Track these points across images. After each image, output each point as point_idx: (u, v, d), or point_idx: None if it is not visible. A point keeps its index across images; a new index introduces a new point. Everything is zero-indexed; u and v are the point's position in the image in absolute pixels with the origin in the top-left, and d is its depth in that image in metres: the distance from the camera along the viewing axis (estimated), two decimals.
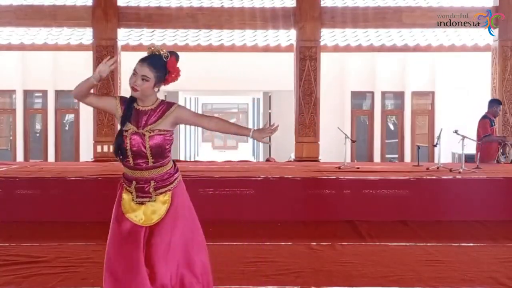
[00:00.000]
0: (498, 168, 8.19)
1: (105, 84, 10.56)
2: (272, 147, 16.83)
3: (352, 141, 10.09)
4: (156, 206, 3.36)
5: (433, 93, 15.44)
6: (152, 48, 3.42)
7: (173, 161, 3.50)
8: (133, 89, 3.31)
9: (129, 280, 3.22)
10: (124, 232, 3.34)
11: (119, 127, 3.42)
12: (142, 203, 3.36)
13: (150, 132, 3.31)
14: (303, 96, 10.64)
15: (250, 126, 29.13)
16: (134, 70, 3.34)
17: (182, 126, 18.83)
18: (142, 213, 3.35)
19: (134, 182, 3.37)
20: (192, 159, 21.09)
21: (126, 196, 3.41)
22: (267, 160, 12.76)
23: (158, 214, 3.35)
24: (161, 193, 3.37)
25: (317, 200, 6.86)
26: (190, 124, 3.53)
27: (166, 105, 3.39)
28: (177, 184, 3.45)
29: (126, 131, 3.33)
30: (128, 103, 3.38)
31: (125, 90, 11.17)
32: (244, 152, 28.65)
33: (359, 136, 15.40)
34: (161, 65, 3.37)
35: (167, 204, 3.38)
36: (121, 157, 3.38)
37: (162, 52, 3.40)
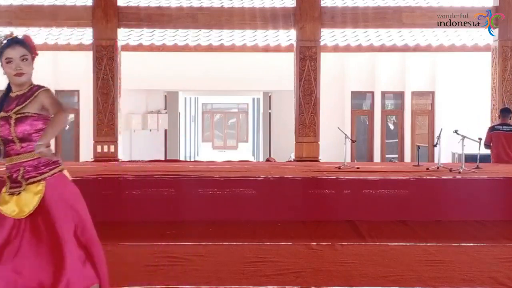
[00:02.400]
0: (498, 168, 8.19)
1: (105, 84, 10.57)
2: (272, 147, 16.84)
3: (352, 141, 10.10)
4: (27, 196, 3.16)
5: (433, 93, 15.44)
6: (6, 35, 3.34)
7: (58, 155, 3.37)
8: (18, 74, 3.27)
9: None
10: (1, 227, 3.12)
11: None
12: (13, 194, 3.18)
13: (16, 114, 3.20)
14: (303, 96, 10.64)
15: (251, 126, 29.14)
16: (7, 58, 3.24)
17: (182, 127, 18.85)
18: (15, 205, 3.16)
19: (7, 172, 3.23)
20: (192, 159, 21.10)
21: (4, 189, 3.25)
22: (267, 160, 12.77)
23: (29, 205, 3.14)
24: (32, 183, 3.19)
25: (317, 200, 6.86)
26: (48, 110, 3.28)
27: (35, 88, 3.32)
28: (56, 176, 3.28)
29: (6, 117, 3.21)
30: (5, 94, 3.32)
31: (124, 90, 11.19)
32: (244, 152, 28.66)
33: (359, 136, 15.40)
34: (25, 43, 3.36)
35: (40, 195, 3.17)
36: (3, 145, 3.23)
37: (14, 35, 3.36)
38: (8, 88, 3.32)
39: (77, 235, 3.23)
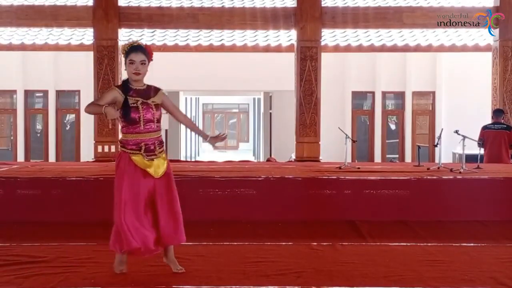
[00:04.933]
0: (499, 168, 8.19)
1: (106, 84, 10.57)
2: (272, 147, 16.84)
3: (353, 141, 10.11)
4: (160, 161, 4.27)
5: (433, 93, 15.45)
6: (132, 41, 4.38)
7: None
8: (136, 73, 4.22)
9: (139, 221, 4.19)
10: (138, 187, 4.19)
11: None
12: (152, 159, 4.22)
13: (153, 102, 4.27)
14: (303, 96, 10.64)
15: (251, 126, 29.20)
16: (131, 60, 4.21)
17: (183, 127, 18.83)
18: (153, 168, 4.22)
19: (142, 145, 4.21)
20: (193, 159, 21.09)
21: (136, 158, 4.21)
22: (268, 160, 12.76)
23: (162, 168, 4.26)
24: (161, 152, 4.29)
25: (318, 200, 6.86)
26: (167, 109, 4.43)
27: (155, 87, 4.40)
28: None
29: (135, 102, 4.18)
30: (125, 84, 4.28)
31: None
32: (244, 152, 28.66)
33: (360, 136, 15.41)
34: (145, 50, 4.30)
35: (167, 161, 4.35)
36: (128, 125, 4.20)
37: (139, 43, 4.38)
38: (125, 82, 4.27)
39: None
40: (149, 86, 4.35)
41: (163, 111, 4.39)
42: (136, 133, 4.21)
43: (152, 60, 4.37)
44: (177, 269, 4.34)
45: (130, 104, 4.17)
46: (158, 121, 4.29)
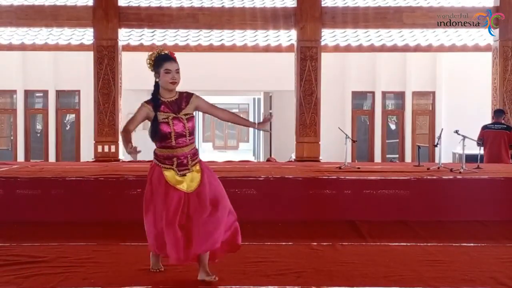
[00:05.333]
0: (499, 168, 8.19)
1: (105, 84, 10.59)
2: (272, 147, 16.84)
3: (353, 141, 10.11)
4: (193, 175, 4.16)
5: (433, 93, 15.44)
6: (163, 51, 4.28)
7: None
8: (173, 83, 4.16)
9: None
10: (170, 200, 4.07)
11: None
12: (184, 175, 4.13)
13: (185, 115, 4.16)
14: (303, 96, 10.65)
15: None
16: (167, 69, 4.14)
17: None
18: (185, 183, 4.13)
19: (175, 159, 4.13)
20: None
21: (168, 173, 4.13)
22: (268, 160, 12.76)
23: (196, 181, 4.15)
24: (194, 165, 4.18)
25: (318, 200, 6.86)
26: (204, 111, 4.38)
27: (186, 94, 4.27)
28: (199, 158, 4.30)
29: (166, 118, 4.11)
30: (155, 98, 4.18)
31: (125, 90, 11.20)
32: (244, 152, 28.65)
33: (360, 136, 15.41)
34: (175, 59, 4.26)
35: (200, 173, 4.19)
36: (160, 141, 4.13)
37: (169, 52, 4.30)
38: (155, 95, 4.19)
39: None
40: (180, 95, 4.25)
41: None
42: (168, 147, 4.14)
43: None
44: (202, 277, 4.16)
45: (161, 119, 4.11)
46: (191, 133, 4.19)
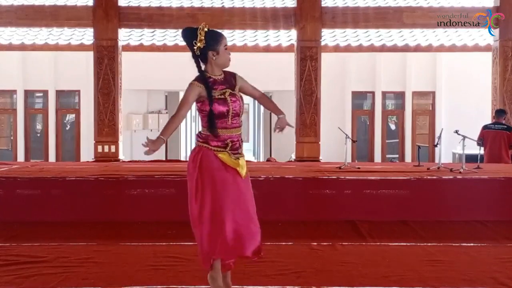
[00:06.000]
0: (499, 168, 8.19)
1: (105, 84, 10.58)
2: (272, 147, 16.83)
3: (353, 141, 10.12)
4: (243, 162, 3.80)
5: (433, 93, 15.43)
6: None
7: None
8: (229, 61, 3.84)
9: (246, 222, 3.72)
10: (230, 182, 3.69)
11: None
12: (238, 159, 3.75)
13: (239, 92, 3.82)
14: (303, 96, 10.64)
15: (251, 126, 29.15)
16: (225, 46, 3.81)
17: (182, 125, 18.83)
18: (240, 167, 3.75)
19: (229, 141, 3.71)
20: None
21: (224, 156, 3.70)
22: (268, 160, 12.76)
23: (244, 168, 3.78)
24: (241, 151, 3.81)
25: (318, 200, 6.86)
26: (245, 91, 3.93)
27: (230, 73, 3.88)
28: None
29: (222, 94, 3.71)
30: (203, 76, 3.77)
31: (125, 90, 11.20)
32: (244, 152, 28.61)
33: (360, 136, 15.40)
34: None
35: (245, 162, 3.82)
36: (217, 118, 3.67)
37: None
38: (203, 73, 3.78)
39: None
40: (225, 73, 3.86)
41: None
42: (222, 128, 3.70)
43: None
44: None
45: (217, 96, 3.69)
46: (241, 115, 3.82)
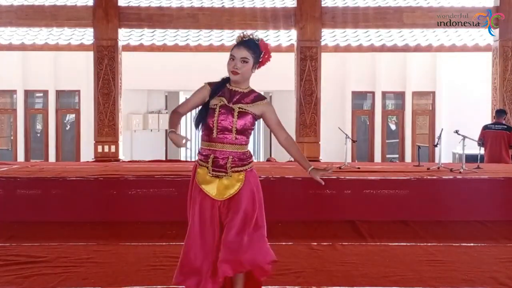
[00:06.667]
0: (499, 168, 8.19)
1: (106, 84, 10.58)
2: (272, 147, 16.84)
3: (353, 141, 10.11)
4: (230, 182, 3.45)
5: (433, 93, 15.44)
6: (243, 34, 3.59)
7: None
8: (233, 73, 3.48)
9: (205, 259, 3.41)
10: (203, 208, 3.45)
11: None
12: (217, 177, 3.45)
13: (240, 109, 3.47)
14: (303, 96, 10.65)
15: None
16: (232, 55, 3.49)
17: (183, 127, 18.83)
18: (216, 187, 3.45)
19: (211, 156, 3.46)
20: (193, 159, 21.06)
21: (200, 171, 3.49)
22: (268, 160, 12.77)
23: (230, 190, 3.45)
24: (237, 171, 3.47)
25: (318, 200, 6.85)
26: (268, 123, 3.64)
27: (258, 94, 3.61)
28: (251, 168, 3.56)
29: (215, 104, 3.45)
30: (221, 82, 3.55)
31: (125, 90, 11.20)
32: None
33: (360, 136, 15.40)
34: (256, 46, 3.56)
35: (240, 183, 3.47)
36: (202, 130, 3.50)
37: (252, 36, 3.60)
38: (226, 79, 3.56)
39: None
40: (252, 92, 3.59)
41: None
42: (208, 141, 3.48)
43: (263, 60, 3.63)
44: None
45: (210, 105, 3.47)
46: (242, 132, 3.46)
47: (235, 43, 3.55)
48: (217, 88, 3.52)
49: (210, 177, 3.45)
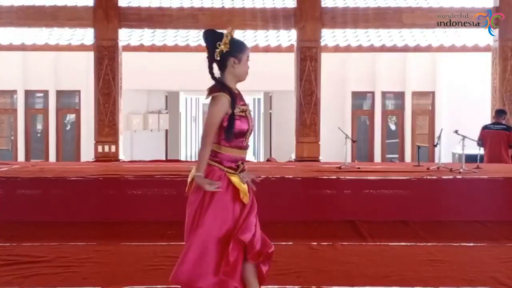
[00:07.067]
0: (499, 168, 8.19)
1: (106, 84, 10.58)
2: (272, 147, 16.84)
3: (353, 141, 10.11)
4: (245, 186, 3.38)
5: (433, 93, 15.44)
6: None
7: None
8: (246, 75, 3.46)
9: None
10: (233, 211, 3.34)
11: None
12: (244, 183, 3.37)
13: (250, 111, 3.46)
14: (303, 96, 10.65)
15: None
16: (248, 56, 3.44)
17: (183, 125, 18.85)
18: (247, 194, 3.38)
19: (240, 163, 3.36)
20: (193, 159, 21.06)
21: (235, 179, 3.33)
22: (268, 160, 12.77)
23: (247, 193, 3.37)
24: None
25: (318, 200, 6.86)
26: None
27: (239, 92, 3.50)
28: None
29: (243, 112, 3.35)
30: (228, 87, 3.39)
31: (125, 90, 11.20)
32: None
33: (360, 136, 15.40)
34: None
35: (246, 185, 3.40)
36: (232, 138, 3.30)
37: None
38: (225, 84, 3.41)
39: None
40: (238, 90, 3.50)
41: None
42: (240, 148, 3.35)
43: None
44: None
45: (238, 112, 3.31)
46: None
47: (245, 45, 3.47)
48: (233, 95, 3.34)
49: (243, 184, 3.34)
